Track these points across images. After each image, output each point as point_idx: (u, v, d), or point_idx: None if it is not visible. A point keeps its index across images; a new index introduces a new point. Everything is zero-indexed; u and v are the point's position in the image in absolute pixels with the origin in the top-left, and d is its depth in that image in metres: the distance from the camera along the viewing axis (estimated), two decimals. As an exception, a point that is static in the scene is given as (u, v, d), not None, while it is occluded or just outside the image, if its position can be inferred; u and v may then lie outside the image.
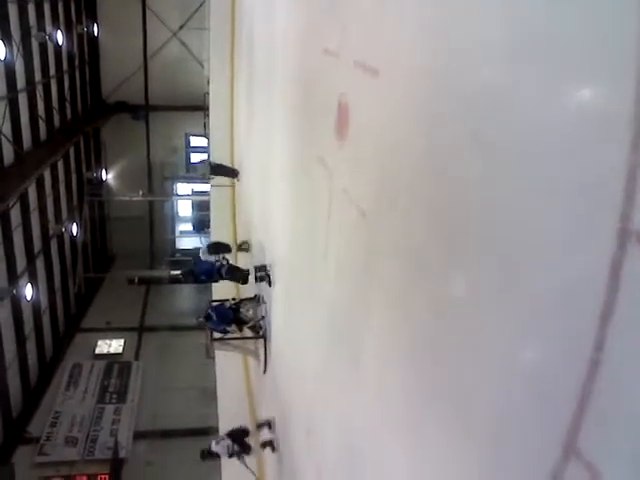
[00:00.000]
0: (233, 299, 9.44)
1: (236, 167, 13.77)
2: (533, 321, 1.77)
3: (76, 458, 15.11)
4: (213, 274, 9.51)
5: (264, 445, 7.98)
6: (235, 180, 13.41)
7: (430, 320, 2.53)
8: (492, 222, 2.02)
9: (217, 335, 9.52)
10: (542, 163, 1.73)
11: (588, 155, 1.54)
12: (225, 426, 10.51)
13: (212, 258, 9.44)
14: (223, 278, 9.62)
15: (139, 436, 15.99)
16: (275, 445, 7.62)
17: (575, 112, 1.62)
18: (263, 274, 8.48)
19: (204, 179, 13.97)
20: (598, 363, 1.46)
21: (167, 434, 15.90)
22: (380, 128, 3.19)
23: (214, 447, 8.13)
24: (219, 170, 13.24)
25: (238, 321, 9.07)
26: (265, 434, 8.13)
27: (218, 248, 10.00)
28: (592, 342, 1.47)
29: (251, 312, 9.17)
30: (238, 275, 9.64)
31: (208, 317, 8.91)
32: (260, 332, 8.96)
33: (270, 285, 8.17)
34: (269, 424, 8.05)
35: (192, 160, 25.41)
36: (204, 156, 21.75)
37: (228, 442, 8.10)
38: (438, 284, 2.47)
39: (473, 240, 2.15)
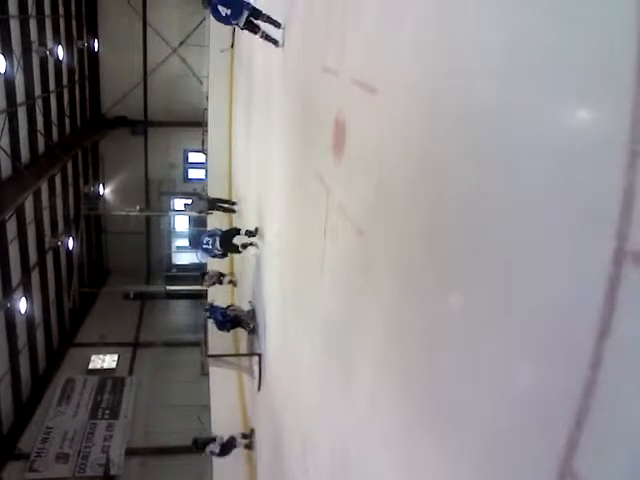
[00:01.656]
0: (228, 306, 9.84)
1: (233, 183, 13.78)
2: (529, 339, 1.76)
3: (67, 475, 14.91)
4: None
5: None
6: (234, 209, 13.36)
7: (425, 337, 2.52)
8: (488, 240, 2.01)
9: (212, 352, 9.52)
10: (538, 181, 1.73)
11: (584, 173, 1.54)
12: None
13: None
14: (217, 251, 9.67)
15: (131, 453, 15.80)
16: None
17: (572, 131, 1.62)
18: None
19: (201, 213, 13.84)
20: (595, 382, 1.45)
21: (160, 451, 15.72)
22: (377, 145, 3.20)
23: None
24: (216, 205, 13.12)
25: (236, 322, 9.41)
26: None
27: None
28: (588, 361, 1.46)
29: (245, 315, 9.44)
30: (232, 244, 9.67)
31: (211, 311, 9.41)
32: (252, 327, 9.26)
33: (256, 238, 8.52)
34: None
35: (190, 176, 25.52)
36: (201, 173, 21.77)
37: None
38: (433, 301, 2.46)
39: (469, 258, 2.15)
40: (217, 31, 15.34)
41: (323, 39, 4.72)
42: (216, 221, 13.59)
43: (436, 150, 2.46)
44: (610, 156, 1.43)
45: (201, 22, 21.50)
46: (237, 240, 9.46)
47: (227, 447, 9.22)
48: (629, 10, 1.36)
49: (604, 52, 1.48)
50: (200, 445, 9.25)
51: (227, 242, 9.24)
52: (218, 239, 9.11)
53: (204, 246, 9.18)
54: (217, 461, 10.04)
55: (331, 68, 4.30)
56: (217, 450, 9.08)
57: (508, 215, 1.90)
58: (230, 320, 9.36)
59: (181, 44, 24.11)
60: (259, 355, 8.72)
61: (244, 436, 9.56)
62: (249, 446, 9.45)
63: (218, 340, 10.05)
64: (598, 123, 1.54)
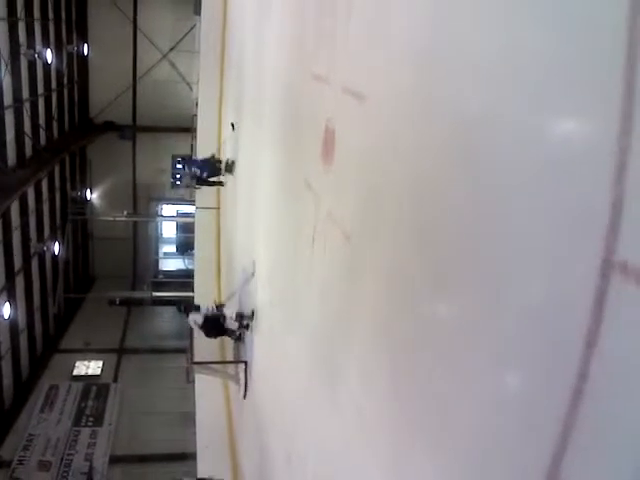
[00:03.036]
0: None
1: (221, 190, 13.72)
2: (516, 349, 1.76)
3: (48, 483, 14.72)
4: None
5: None
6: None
7: (413, 345, 2.51)
8: (476, 249, 2.01)
9: (198, 359, 9.43)
10: (527, 189, 1.73)
11: (572, 184, 1.55)
12: (203, 452, 10.33)
13: None
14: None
15: (115, 461, 15.61)
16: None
17: (560, 142, 1.64)
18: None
19: (191, 187, 13.90)
20: (581, 393, 1.45)
21: (144, 459, 15.53)
22: (366, 153, 3.20)
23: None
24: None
25: (221, 329, 9.14)
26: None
27: None
28: (576, 372, 1.46)
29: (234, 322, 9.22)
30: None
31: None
32: (238, 335, 9.04)
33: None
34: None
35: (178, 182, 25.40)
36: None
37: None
38: (421, 309, 2.46)
39: (457, 267, 2.15)
40: (207, 37, 15.36)
41: (313, 46, 4.73)
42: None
43: (425, 158, 2.47)
44: (598, 167, 1.44)
45: (192, 28, 21.47)
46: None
47: (212, 324, 8.69)
48: (618, 20, 1.37)
49: (593, 64, 1.49)
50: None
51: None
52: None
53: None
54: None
55: (321, 75, 4.30)
56: (200, 321, 8.66)
57: (496, 224, 1.90)
58: (209, 320, 9.02)
59: (171, 49, 24.08)
60: (245, 362, 8.66)
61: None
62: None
63: (204, 347, 9.98)
64: (586, 135, 1.55)
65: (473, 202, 2.04)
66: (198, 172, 11.34)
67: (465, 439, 2.04)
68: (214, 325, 8.93)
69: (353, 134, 3.50)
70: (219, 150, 14.00)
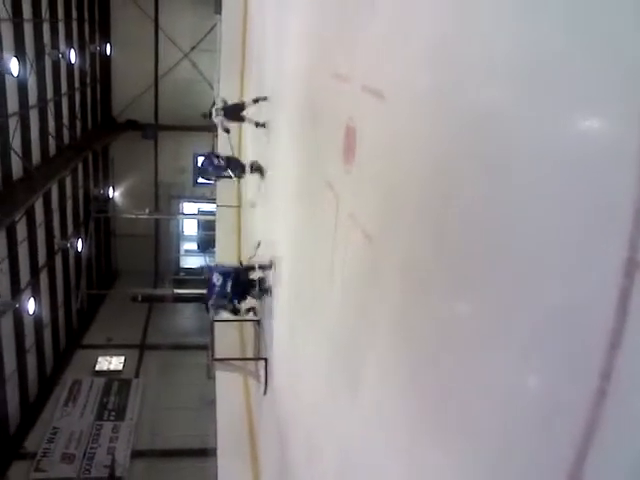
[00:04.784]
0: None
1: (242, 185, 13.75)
2: (538, 348, 1.75)
3: (72, 476, 14.96)
4: None
5: None
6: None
7: (434, 345, 2.52)
8: (497, 248, 2.01)
9: (218, 355, 9.51)
10: (549, 187, 1.73)
11: (596, 181, 1.54)
12: (223, 447, 10.42)
13: None
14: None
15: (137, 455, 15.83)
16: None
17: (583, 138, 1.62)
18: None
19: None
20: (605, 393, 1.44)
21: (165, 453, 15.74)
22: (387, 152, 3.21)
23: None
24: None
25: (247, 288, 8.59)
26: None
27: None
28: (599, 371, 1.46)
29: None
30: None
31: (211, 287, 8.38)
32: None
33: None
34: None
35: (199, 180, 25.57)
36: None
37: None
38: (441, 308, 2.46)
39: (477, 266, 2.15)
40: (228, 36, 15.44)
41: (333, 46, 4.73)
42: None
43: (445, 156, 2.46)
44: (621, 164, 1.43)
45: (212, 27, 21.59)
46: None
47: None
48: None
49: (615, 58, 1.48)
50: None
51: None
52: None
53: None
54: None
55: (341, 75, 4.31)
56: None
57: (517, 224, 1.90)
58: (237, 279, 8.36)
59: (193, 49, 24.26)
60: (265, 360, 8.72)
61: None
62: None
63: (225, 344, 10.05)
64: (609, 130, 1.54)
65: (494, 201, 2.04)
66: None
67: (485, 437, 2.04)
68: (239, 281, 8.35)
69: (374, 133, 3.50)
70: (239, 148, 14.09)
